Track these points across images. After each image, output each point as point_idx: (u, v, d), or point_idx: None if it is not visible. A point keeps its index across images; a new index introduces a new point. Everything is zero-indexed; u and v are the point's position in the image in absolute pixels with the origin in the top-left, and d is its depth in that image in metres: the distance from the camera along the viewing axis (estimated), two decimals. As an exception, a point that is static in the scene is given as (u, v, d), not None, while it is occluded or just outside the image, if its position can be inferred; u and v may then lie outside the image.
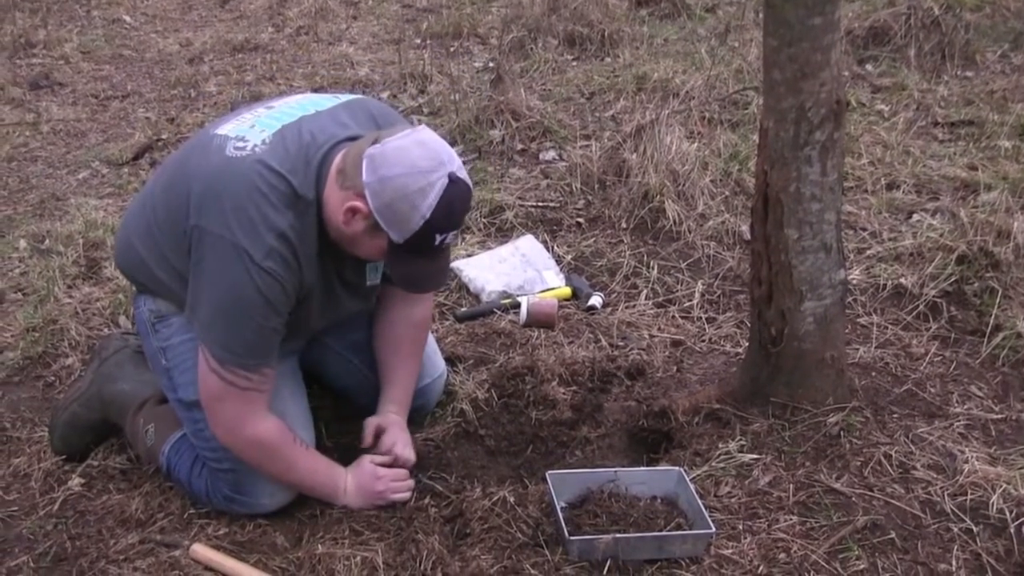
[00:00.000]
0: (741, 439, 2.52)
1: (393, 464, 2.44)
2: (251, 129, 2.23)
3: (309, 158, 2.16)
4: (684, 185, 3.89)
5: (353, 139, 2.21)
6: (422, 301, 2.57)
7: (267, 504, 2.36)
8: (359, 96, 2.48)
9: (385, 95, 5.59)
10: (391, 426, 2.50)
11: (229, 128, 2.26)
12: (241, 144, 2.18)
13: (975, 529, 2.25)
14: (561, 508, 2.26)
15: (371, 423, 2.50)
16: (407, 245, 2.12)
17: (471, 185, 2.16)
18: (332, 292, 2.32)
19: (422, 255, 2.16)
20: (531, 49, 6.01)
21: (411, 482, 2.44)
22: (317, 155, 2.17)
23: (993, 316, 3.05)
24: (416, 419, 2.67)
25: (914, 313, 3.18)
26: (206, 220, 2.11)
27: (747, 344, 2.74)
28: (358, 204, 2.08)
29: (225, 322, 2.14)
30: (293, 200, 2.12)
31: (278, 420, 2.28)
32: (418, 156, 2.07)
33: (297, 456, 2.34)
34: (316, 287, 2.24)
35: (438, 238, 2.12)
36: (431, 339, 2.76)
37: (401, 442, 2.47)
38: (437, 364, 2.74)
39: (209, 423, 2.26)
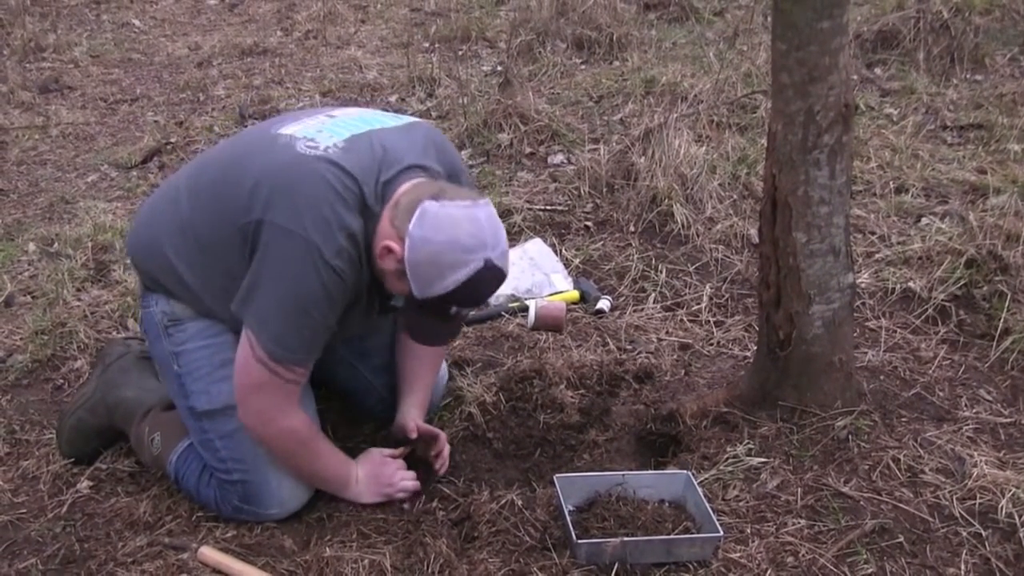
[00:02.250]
0: (749, 443, 2.52)
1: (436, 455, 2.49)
2: (319, 133, 2.23)
3: (380, 172, 2.17)
4: (692, 189, 3.89)
5: (422, 168, 2.23)
6: None
7: (276, 513, 2.36)
8: (419, 120, 2.50)
9: (393, 99, 5.60)
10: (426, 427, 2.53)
11: (295, 129, 2.25)
12: (312, 144, 2.18)
13: (984, 533, 2.24)
14: (569, 511, 2.26)
15: (413, 427, 2.50)
16: (423, 302, 2.14)
17: (506, 272, 2.17)
18: (372, 302, 2.32)
19: (431, 313, 2.20)
20: (539, 53, 6.02)
21: (413, 474, 2.44)
22: (388, 172, 2.17)
23: (1002, 320, 3.04)
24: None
25: (923, 317, 3.17)
26: (275, 214, 2.10)
27: (755, 348, 2.73)
28: (395, 246, 2.10)
29: (285, 317, 2.13)
30: (363, 206, 2.13)
31: (306, 413, 2.30)
32: (465, 232, 2.08)
33: (322, 448, 2.37)
34: (363, 294, 2.25)
35: (454, 309, 2.17)
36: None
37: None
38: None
39: (240, 411, 2.25)
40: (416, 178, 2.19)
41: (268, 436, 2.27)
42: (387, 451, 2.46)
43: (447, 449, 2.51)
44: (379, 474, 2.41)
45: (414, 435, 2.48)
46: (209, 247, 2.25)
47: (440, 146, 2.37)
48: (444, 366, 2.78)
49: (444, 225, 2.07)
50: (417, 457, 2.49)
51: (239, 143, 2.41)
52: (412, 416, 2.52)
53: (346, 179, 2.12)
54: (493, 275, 2.12)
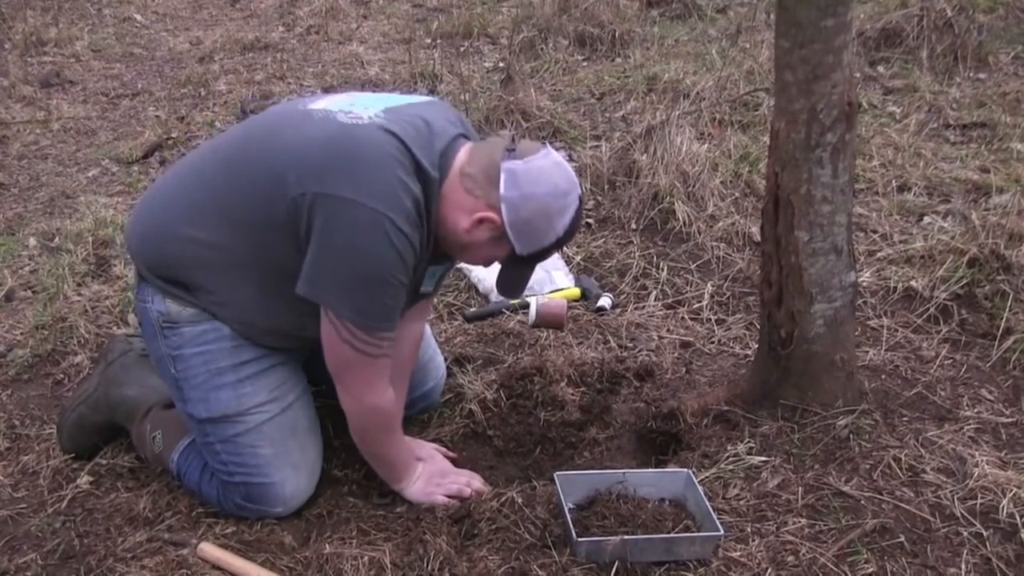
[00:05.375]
0: (750, 441, 2.52)
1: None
2: (352, 106, 2.19)
3: (431, 141, 2.15)
4: (694, 186, 3.89)
5: (465, 136, 2.25)
6: (423, 317, 2.55)
7: (279, 512, 2.36)
8: (434, 98, 2.50)
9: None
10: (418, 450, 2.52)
11: (325, 103, 2.22)
12: (354, 116, 2.14)
13: (985, 533, 2.24)
14: (569, 509, 2.26)
15: None
16: (528, 256, 2.20)
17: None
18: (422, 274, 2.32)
19: (530, 265, 2.26)
20: (541, 49, 6.02)
21: (467, 484, 2.44)
22: (438, 142, 2.16)
23: (1004, 319, 3.04)
24: (422, 419, 2.70)
25: (925, 316, 3.17)
26: (331, 186, 2.03)
27: (756, 346, 2.73)
28: (491, 215, 2.13)
29: (365, 290, 2.09)
30: (419, 173, 2.11)
31: (394, 392, 2.30)
32: (559, 177, 2.15)
33: (399, 432, 2.39)
34: (424, 259, 2.24)
35: (553, 252, 2.24)
36: (432, 340, 2.77)
37: (433, 452, 2.54)
38: (439, 365, 2.76)
39: (338, 389, 2.25)
40: (463, 146, 2.21)
41: (360, 412, 2.27)
42: (450, 453, 2.55)
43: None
44: (438, 476, 2.43)
45: None
46: (244, 226, 2.16)
47: (461, 118, 2.36)
48: (442, 362, 2.78)
49: (539, 179, 2.13)
50: None
51: (266, 121, 2.32)
52: None
53: (400, 146, 2.09)
54: (582, 208, 2.22)
